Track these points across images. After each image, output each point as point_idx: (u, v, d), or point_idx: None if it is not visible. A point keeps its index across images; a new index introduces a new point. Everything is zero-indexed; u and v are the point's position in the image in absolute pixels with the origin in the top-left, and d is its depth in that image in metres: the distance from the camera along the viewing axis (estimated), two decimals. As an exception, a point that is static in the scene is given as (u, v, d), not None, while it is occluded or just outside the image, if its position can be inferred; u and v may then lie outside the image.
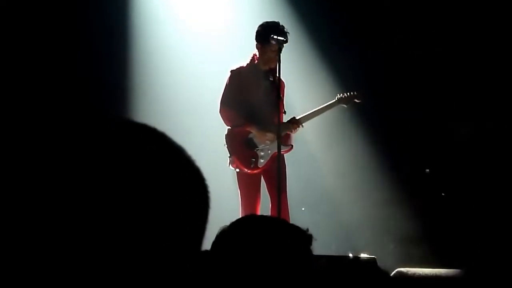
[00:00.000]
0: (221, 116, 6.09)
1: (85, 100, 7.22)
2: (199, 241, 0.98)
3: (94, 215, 0.88)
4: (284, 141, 6.03)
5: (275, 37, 5.76)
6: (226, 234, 1.82)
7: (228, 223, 1.94)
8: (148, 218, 0.91)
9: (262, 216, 2.03)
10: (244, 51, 6.28)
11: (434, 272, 4.36)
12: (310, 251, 1.88)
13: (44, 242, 0.87)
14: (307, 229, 1.92)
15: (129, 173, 0.91)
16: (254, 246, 1.78)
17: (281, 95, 6.02)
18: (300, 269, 1.79)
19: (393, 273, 4.37)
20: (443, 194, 7.40)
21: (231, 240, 1.80)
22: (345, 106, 6.35)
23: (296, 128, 6.15)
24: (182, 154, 0.98)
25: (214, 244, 1.81)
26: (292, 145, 6.17)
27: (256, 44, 6.04)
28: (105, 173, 0.90)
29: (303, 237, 1.89)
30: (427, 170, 7.50)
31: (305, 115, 6.22)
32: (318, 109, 6.25)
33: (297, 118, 6.17)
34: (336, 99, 6.31)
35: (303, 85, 7.50)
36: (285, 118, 6.11)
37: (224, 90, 6.09)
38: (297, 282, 1.78)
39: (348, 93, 6.32)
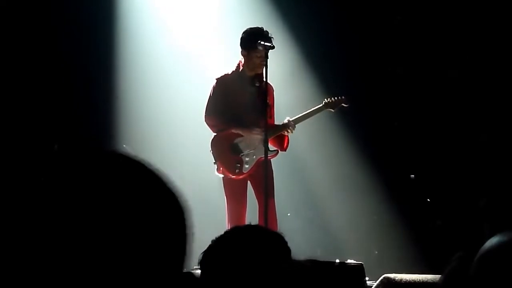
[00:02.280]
0: (207, 124, 6.08)
1: (68, 113, 7.18)
2: (180, 266, 0.98)
3: (78, 246, 0.91)
4: (272, 145, 6.02)
5: (262, 43, 5.74)
6: (209, 253, 1.85)
7: (215, 230, 1.95)
8: (127, 247, 0.91)
9: (234, 231, 2.02)
10: (232, 58, 6.26)
11: (421, 278, 4.36)
12: (290, 260, 1.88)
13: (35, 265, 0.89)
14: (283, 237, 1.92)
15: (105, 205, 0.92)
16: (234, 265, 1.81)
17: (268, 100, 5.99)
18: (280, 279, 1.80)
19: (380, 278, 4.38)
20: (428, 199, 7.42)
21: (212, 262, 1.83)
22: (332, 110, 6.27)
23: (291, 130, 6.09)
24: (159, 181, 0.98)
25: (201, 265, 1.85)
26: (278, 150, 6.12)
27: (242, 51, 6.01)
28: (81, 207, 0.92)
29: (281, 246, 1.89)
30: (412, 175, 7.52)
31: (294, 119, 6.17)
32: (305, 114, 6.19)
33: (289, 120, 6.13)
34: (323, 103, 6.22)
35: (289, 88, 7.47)
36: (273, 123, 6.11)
37: (209, 98, 6.08)
38: None
39: (335, 98, 6.24)
